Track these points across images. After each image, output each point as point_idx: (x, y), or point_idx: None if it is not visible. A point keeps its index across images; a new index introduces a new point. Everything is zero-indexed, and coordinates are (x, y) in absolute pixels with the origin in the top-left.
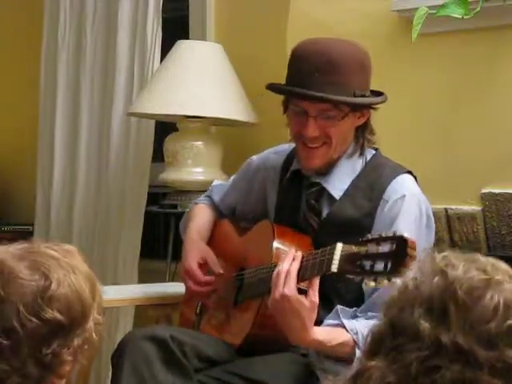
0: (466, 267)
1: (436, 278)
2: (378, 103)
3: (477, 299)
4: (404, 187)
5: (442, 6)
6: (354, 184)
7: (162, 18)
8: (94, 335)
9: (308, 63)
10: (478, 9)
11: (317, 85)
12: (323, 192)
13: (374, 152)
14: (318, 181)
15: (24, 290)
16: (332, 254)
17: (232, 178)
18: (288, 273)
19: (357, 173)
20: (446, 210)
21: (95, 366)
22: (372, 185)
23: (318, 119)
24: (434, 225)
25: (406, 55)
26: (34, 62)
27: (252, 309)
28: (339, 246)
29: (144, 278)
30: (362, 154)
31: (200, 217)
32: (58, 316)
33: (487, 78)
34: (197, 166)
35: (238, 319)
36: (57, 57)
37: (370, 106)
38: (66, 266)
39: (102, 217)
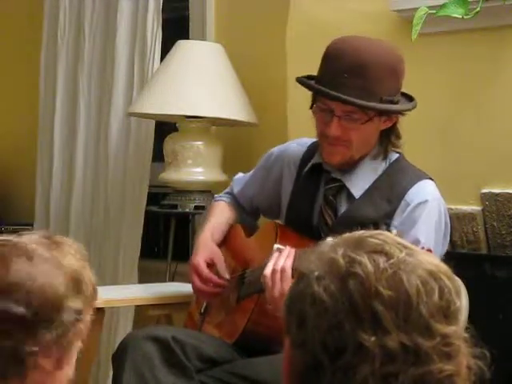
0: (370, 258)
1: (350, 283)
2: (404, 111)
3: (397, 288)
4: (427, 192)
5: (442, 6)
6: (374, 185)
7: (162, 18)
8: (79, 326)
9: (339, 63)
10: (478, 9)
11: (345, 87)
12: (343, 189)
13: (397, 155)
14: (339, 177)
15: None
16: None
17: (253, 169)
18: (283, 270)
19: (378, 174)
20: None
21: (95, 366)
22: (392, 186)
23: (342, 120)
24: (449, 235)
25: (405, 55)
26: (33, 62)
27: (249, 306)
28: (329, 239)
29: (144, 278)
30: (385, 156)
31: (217, 217)
32: (20, 309)
33: (487, 77)
34: (197, 166)
35: (236, 317)
36: (56, 57)
37: (397, 112)
38: (35, 258)
39: (102, 217)
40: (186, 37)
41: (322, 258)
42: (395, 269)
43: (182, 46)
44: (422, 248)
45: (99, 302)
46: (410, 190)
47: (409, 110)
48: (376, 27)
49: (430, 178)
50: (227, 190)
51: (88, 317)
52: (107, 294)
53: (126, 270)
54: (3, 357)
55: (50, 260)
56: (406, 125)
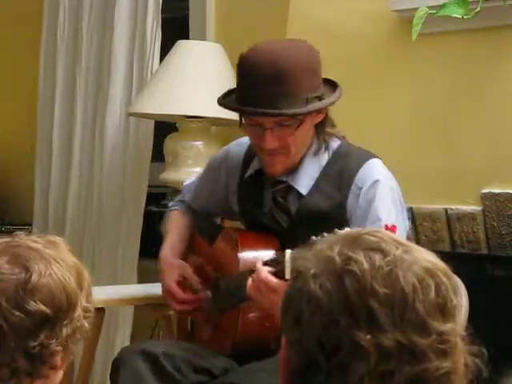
0: (366, 256)
1: (346, 280)
2: (331, 104)
3: (393, 286)
4: (375, 172)
5: (442, 6)
6: (321, 177)
7: (162, 18)
8: (84, 323)
9: (255, 76)
10: (478, 9)
11: (267, 98)
12: (291, 189)
13: (339, 142)
14: (284, 179)
15: (4, 284)
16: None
17: (199, 175)
18: (264, 283)
19: (323, 166)
20: (445, 210)
21: (94, 366)
22: (340, 173)
23: (274, 130)
24: (406, 210)
25: (405, 55)
26: (33, 61)
27: (233, 318)
28: (288, 252)
29: (144, 278)
30: (326, 147)
31: (173, 230)
32: (42, 307)
33: (487, 77)
34: (197, 166)
35: (223, 330)
36: (56, 57)
37: (325, 107)
38: (47, 257)
39: (101, 217)
40: (186, 37)
41: (319, 255)
42: (391, 266)
43: (181, 46)
44: (386, 226)
45: (99, 302)
46: (359, 173)
47: (336, 100)
48: (376, 27)
49: (376, 156)
50: (179, 197)
51: (89, 314)
52: (107, 294)
53: (126, 270)
54: (30, 357)
55: (58, 259)
56: (407, 125)
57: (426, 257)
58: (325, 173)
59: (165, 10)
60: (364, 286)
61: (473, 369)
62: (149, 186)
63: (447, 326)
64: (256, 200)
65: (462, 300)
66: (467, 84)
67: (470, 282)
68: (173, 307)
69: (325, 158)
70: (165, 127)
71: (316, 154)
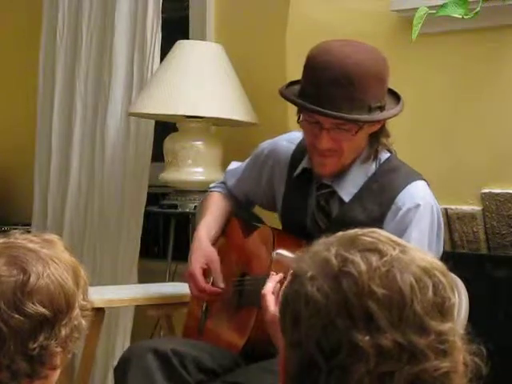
0: (363, 257)
1: (343, 282)
2: (393, 116)
3: (390, 287)
4: (419, 196)
5: (442, 6)
6: (364, 187)
7: (162, 18)
8: (82, 321)
9: (323, 75)
10: (478, 9)
11: (331, 99)
12: (334, 194)
13: (388, 155)
14: (329, 183)
15: (3, 286)
16: None
17: (245, 162)
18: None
19: (368, 176)
20: (446, 210)
21: (94, 366)
22: (383, 188)
23: (331, 131)
24: (443, 233)
25: (405, 55)
26: (32, 62)
27: (251, 315)
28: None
29: (144, 278)
30: (375, 157)
31: (211, 211)
32: (41, 309)
33: (487, 78)
34: (197, 166)
35: (239, 324)
36: (55, 57)
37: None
38: (45, 258)
39: (102, 217)
40: (186, 37)
41: (315, 257)
42: (388, 267)
43: (182, 46)
44: None
45: (99, 302)
46: (401, 194)
47: (397, 114)
48: (376, 27)
49: (422, 178)
50: (221, 179)
51: (87, 312)
52: (107, 294)
53: (126, 270)
54: (30, 358)
55: (55, 258)
56: (407, 125)
57: (423, 256)
58: (369, 184)
59: (165, 10)
60: (362, 288)
61: (472, 367)
62: (149, 186)
63: (446, 326)
64: (301, 203)
65: (460, 298)
66: (467, 84)
67: (470, 282)
68: (192, 292)
69: (372, 168)
70: (165, 127)
71: (364, 162)
